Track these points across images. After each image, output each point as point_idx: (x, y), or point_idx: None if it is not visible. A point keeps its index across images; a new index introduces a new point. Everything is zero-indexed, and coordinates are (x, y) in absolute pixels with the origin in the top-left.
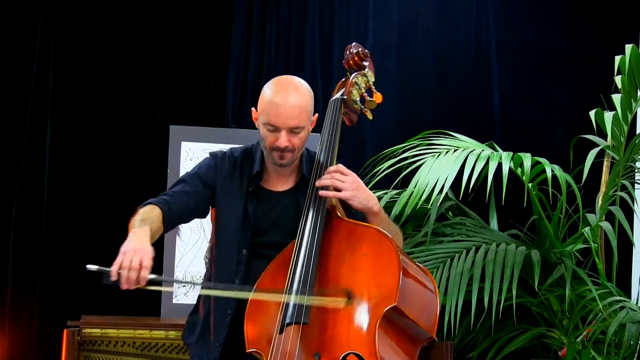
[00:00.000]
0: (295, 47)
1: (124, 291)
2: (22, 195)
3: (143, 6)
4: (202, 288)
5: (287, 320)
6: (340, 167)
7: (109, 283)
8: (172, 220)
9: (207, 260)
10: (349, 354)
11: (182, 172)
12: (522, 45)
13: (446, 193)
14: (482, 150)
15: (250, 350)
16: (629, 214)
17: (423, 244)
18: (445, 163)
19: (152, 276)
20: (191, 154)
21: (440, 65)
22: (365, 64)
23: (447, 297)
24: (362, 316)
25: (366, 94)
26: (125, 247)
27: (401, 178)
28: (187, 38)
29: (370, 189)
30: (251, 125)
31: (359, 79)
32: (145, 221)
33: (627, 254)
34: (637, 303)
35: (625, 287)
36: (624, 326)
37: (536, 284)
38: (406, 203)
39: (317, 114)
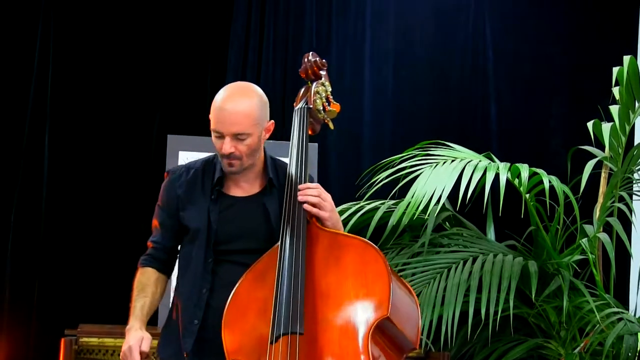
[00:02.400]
0: (292, 55)
1: (121, 300)
2: (20, 203)
3: (140, 14)
4: None
5: (282, 331)
6: (320, 186)
7: None
8: (170, 266)
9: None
10: None
11: None
12: (518, 55)
13: (443, 203)
14: (480, 161)
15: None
16: (627, 225)
17: (420, 254)
18: (442, 173)
19: None
20: None
21: (437, 75)
22: (323, 73)
23: (444, 308)
24: (354, 327)
25: (326, 103)
26: (122, 348)
27: (398, 188)
28: (185, 46)
29: (368, 199)
30: None
31: (320, 88)
32: (140, 303)
33: (625, 265)
34: (634, 315)
35: (622, 298)
36: (622, 338)
37: (533, 295)
38: (403, 213)
39: (272, 121)
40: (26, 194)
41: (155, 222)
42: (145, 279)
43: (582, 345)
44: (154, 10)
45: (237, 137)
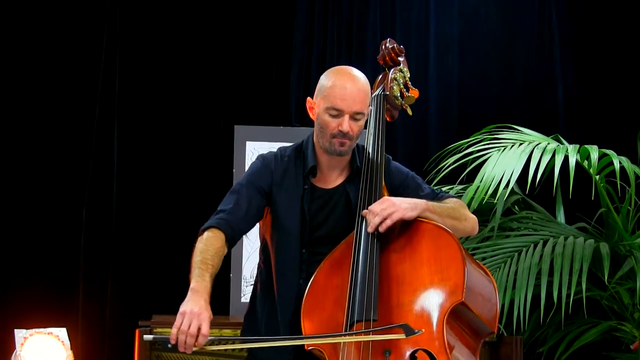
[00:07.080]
0: (357, 43)
1: None
2: (91, 198)
3: (206, 7)
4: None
5: (356, 318)
6: (371, 207)
7: (168, 350)
8: (234, 239)
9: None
10: (417, 350)
11: None
12: (585, 37)
13: (512, 187)
14: (548, 144)
15: (310, 348)
16: None
17: (490, 238)
18: (510, 157)
19: (211, 337)
20: (256, 153)
21: (503, 58)
22: (401, 59)
23: (515, 292)
24: (429, 312)
25: (404, 90)
26: (184, 308)
27: (466, 173)
28: (250, 37)
29: (436, 184)
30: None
31: (397, 74)
32: (205, 266)
33: None
34: None
35: None
36: None
37: (606, 277)
38: (472, 198)
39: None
40: (97, 188)
41: (234, 191)
42: (209, 247)
43: None
44: (219, 2)
45: (355, 116)
